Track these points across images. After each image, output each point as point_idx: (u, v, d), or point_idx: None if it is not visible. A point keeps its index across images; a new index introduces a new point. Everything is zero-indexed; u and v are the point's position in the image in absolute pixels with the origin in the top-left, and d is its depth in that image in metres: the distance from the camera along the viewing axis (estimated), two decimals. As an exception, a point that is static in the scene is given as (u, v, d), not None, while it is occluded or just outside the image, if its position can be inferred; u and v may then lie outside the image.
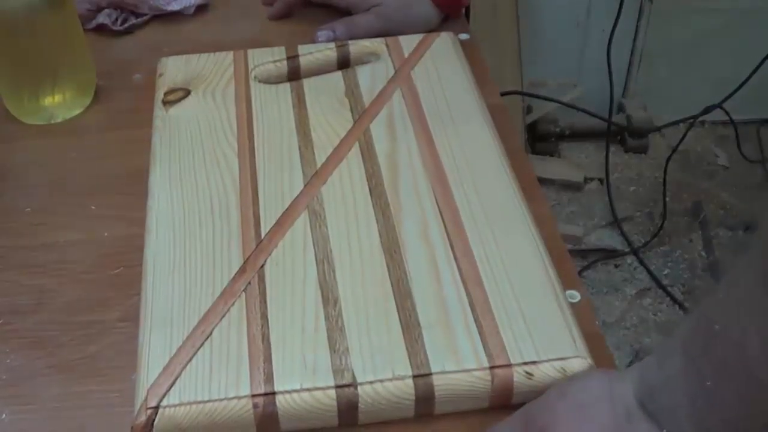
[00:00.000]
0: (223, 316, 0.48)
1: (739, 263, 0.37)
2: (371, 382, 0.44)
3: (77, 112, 0.70)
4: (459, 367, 0.45)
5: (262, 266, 0.51)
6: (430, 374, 0.44)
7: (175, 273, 0.51)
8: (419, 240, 0.52)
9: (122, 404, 0.46)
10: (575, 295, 0.51)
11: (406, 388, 0.44)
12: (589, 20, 1.75)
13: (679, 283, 1.62)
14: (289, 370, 0.45)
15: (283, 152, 0.59)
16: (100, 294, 0.54)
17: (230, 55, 0.69)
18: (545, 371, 0.45)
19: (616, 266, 1.67)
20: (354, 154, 0.59)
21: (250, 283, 0.50)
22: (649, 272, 1.63)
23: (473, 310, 0.47)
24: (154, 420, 0.43)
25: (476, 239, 0.52)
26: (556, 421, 0.42)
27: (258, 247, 0.52)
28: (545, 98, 1.74)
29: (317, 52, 0.69)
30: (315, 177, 0.57)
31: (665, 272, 1.64)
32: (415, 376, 0.44)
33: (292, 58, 0.68)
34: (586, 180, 1.80)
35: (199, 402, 0.43)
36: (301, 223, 0.53)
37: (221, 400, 0.43)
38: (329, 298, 0.48)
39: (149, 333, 0.47)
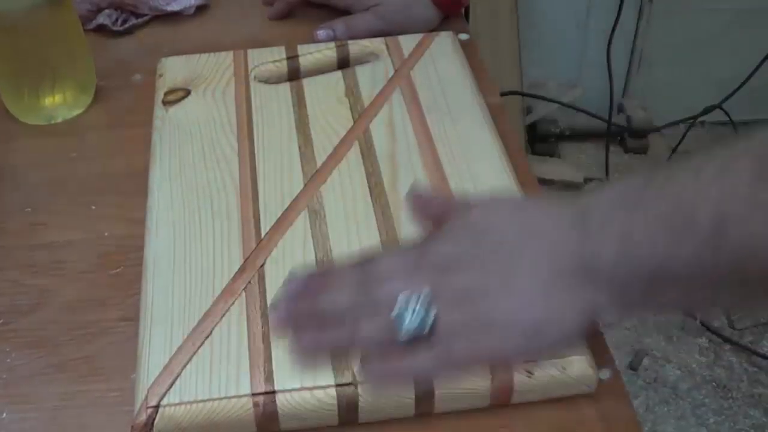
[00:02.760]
0: (223, 315, 0.48)
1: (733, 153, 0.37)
2: (371, 381, 0.44)
3: (77, 112, 0.70)
4: (459, 365, 0.44)
5: (262, 265, 0.51)
6: (430, 373, 0.44)
7: (175, 272, 0.51)
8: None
9: (122, 403, 0.46)
10: (575, 294, 0.50)
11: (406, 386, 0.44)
12: (589, 20, 1.75)
13: (680, 283, 1.62)
14: (289, 369, 0.45)
15: (283, 152, 0.59)
16: (100, 294, 0.54)
17: (230, 55, 0.69)
18: (545, 370, 0.45)
19: (617, 266, 1.67)
20: (354, 153, 0.59)
21: (250, 282, 0.50)
22: (650, 272, 1.63)
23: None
24: (154, 419, 0.43)
25: (476, 238, 0.52)
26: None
27: (258, 246, 0.52)
28: (545, 99, 1.74)
29: (317, 52, 0.69)
30: (315, 176, 0.57)
31: (665, 272, 1.64)
32: (415, 375, 0.44)
33: (292, 58, 0.68)
34: (586, 180, 1.80)
35: (200, 401, 0.43)
36: (301, 222, 0.53)
37: (221, 399, 0.43)
38: (329, 297, 0.48)
39: (149, 332, 0.47)
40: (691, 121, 1.73)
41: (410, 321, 0.40)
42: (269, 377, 0.44)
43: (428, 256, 0.43)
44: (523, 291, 0.40)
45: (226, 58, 0.69)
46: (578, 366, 0.45)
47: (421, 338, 0.40)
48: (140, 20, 0.80)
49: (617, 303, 0.40)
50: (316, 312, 0.43)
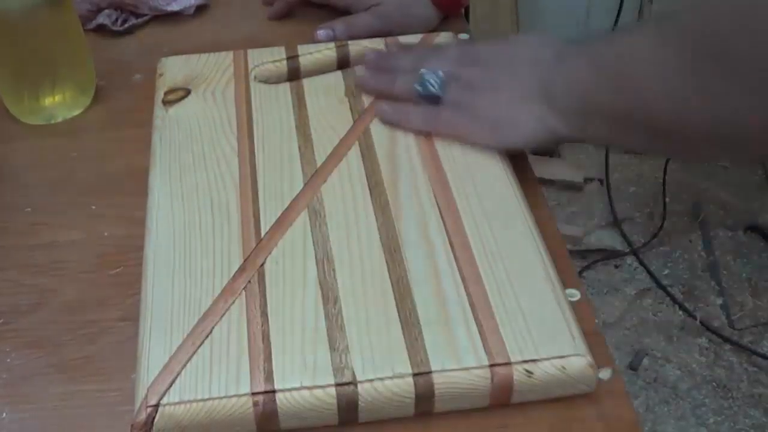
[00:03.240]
0: (223, 315, 0.48)
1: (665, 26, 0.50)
2: (371, 381, 0.44)
3: (77, 112, 0.70)
4: (459, 365, 0.45)
5: (262, 265, 0.51)
6: (430, 372, 0.44)
7: (175, 272, 0.51)
8: (419, 239, 0.52)
9: (122, 403, 0.46)
10: (575, 294, 0.51)
11: (406, 386, 0.44)
12: (589, 20, 1.75)
13: (679, 283, 1.62)
14: (289, 369, 0.45)
15: (283, 152, 0.59)
16: (100, 294, 0.54)
17: (230, 55, 0.69)
18: (545, 369, 0.45)
19: (616, 266, 1.67)
20: (354, 153, 0.59)
21: (250, 281, 0.50)
22: (649, 272, 1.64)
23: (473, 308, 0.47)
24: (154, 418, 0.43)
25: (476, 238, 0.52)
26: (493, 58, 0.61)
27: (258, 245, 0.52)
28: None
29: (317, 52, 0.69)
30: (315, 176, 0.57)
31: (665, 272, 1.64)
32: (415, 375, 0.44)
33: (292, 58, 0.68)
34: (586, 180, 1.80)
35: (200, 400, 0.43)
36: (301, 222, 0.54)
37: (221, 398, 0.43)
38: (329, 296, 0.48)
39: (149, 332, 0.47)
40: (691, 121, 1.73)
41: (426, 84, 0.60)
42: (269, 376, 0.44)
43: (463, 54, 0.62)
44: (500, 96, 0.58)
45: (226, 58, 0.69)
46: (578, 366, 0.45)
47: (430, 100, 0.60)
48: (140, 20, 0.80)
49: (564, 125, 0.55)
50: (380, 65, 0.66)
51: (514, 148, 0.58)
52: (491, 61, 0.60)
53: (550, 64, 0.56)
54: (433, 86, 0.59)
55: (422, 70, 0.60)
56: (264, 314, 0.48)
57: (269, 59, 0.68)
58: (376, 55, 0.67)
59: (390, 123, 0.61)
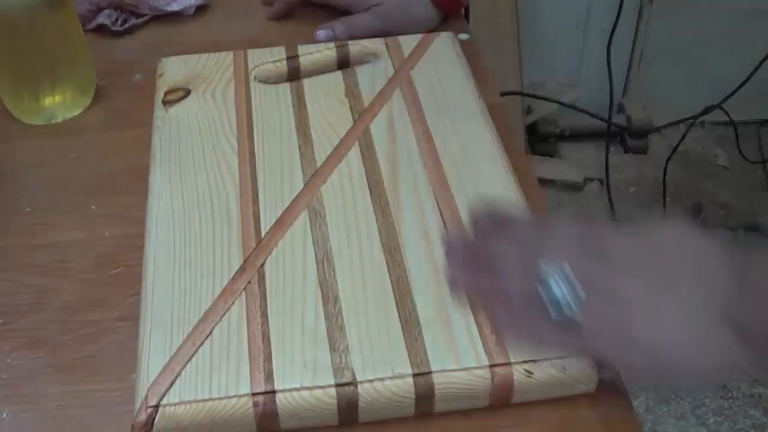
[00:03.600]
0: (223, 315, 0.48)
1: None
2: (371, 381, 0.44)
3: (77, 112, 0.70)
4: (459, 365, 0.45)
5: (262, 265, 0.51)
6: (430, 372, 0.44)
7: (175, 272, 0.51)
8: (419, 239, 0.52)
9: (122, 403, 0.46)
10: (575, 294, 0.50)
11: (406, 386, 0.44)
12: (589, 20, 1.75)
13: (680, 283, 1.62)
14: (289, 369, 0.45)
15: (283, 152, 0.59)
16: (100, 294, 0.54)
17: (230, 55, 0.69)
18: (545, 370, 0.45)
19: (617, 266, 1.67)
20: (354, 153, 0.59)
21: (250, 282, 0.50)
22: (650, 272, 1.63)
23: (473, 308, 0.47)
24: (154, 418, 0.43)
25: (476, 238, 0.52)
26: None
27: (258, 246, 0.52)
28: (545, 99, 1.74)
29: (317, 52, 0.69)
30: (315, 176, 0.57)
31: (665, 272, 1.64)
32: (415, 375, 0.44)
33: (292, 58, 0.68)
34: (586, 181, 1.80)
35: (200, 400, 0.43)
36: (301, 222, 0.54)
37: (221, 398, 0.43)
38: (329, 296, 0.48)
39: (149, 332, 0.47)
40: (691, 121, 1.73)
41: (550, 284, 0.43)
42: (269, 377, 0.44)
43: (586, 241, 0.45)
44: (669, 318, 0.42)
45: (226, 58, 0.69)
46: (578, 366, 0.45)
47: (556, 309, 0.43)
48: (140, 20, 0.80)
49: (759, 357, 0.41)
50: (480, 256, 0.48)
51: (685, 385, 0.48)
52: (636, 265, 0.44)
53: (727, 279, 0.42)
54: (560, 287, 0.43)
55: (542, 266, 0.44)
56: (264, 314, 0.48)
57: (269, 59, 0.68)
58: (461, 241, 0.51)
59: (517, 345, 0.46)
